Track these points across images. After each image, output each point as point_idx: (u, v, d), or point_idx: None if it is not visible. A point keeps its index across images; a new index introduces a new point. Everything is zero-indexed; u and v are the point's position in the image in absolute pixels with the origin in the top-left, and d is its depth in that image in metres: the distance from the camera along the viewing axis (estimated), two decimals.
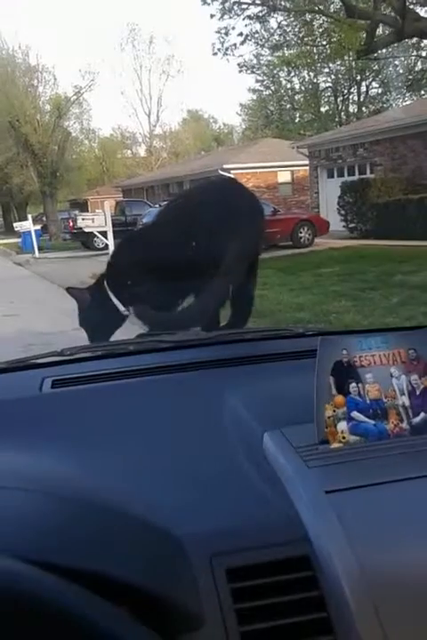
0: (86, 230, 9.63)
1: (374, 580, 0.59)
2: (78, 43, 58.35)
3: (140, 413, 0.98)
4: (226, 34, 13.24)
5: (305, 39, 14.51)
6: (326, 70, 33.57)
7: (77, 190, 33.29)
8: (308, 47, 16.34)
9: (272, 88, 36.03)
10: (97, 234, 9.73)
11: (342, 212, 14.37)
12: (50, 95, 25.56)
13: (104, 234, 9.57)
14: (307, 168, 18.86)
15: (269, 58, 32.14)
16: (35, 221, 18.37)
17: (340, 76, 33.92)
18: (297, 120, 36.72)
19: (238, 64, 22.20)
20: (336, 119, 34.57)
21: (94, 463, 0.79)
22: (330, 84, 34.68)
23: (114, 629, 0.42)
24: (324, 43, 14.64)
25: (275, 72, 33.86)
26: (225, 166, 19.97)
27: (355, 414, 0.80)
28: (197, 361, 1.22)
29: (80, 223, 9.39)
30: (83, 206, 31.30)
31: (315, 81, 34.69)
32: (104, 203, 9.62)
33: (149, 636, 0.46)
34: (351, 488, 0.69)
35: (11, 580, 0.42)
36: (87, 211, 31.33)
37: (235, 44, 13.65)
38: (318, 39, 14.67)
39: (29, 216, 18.29)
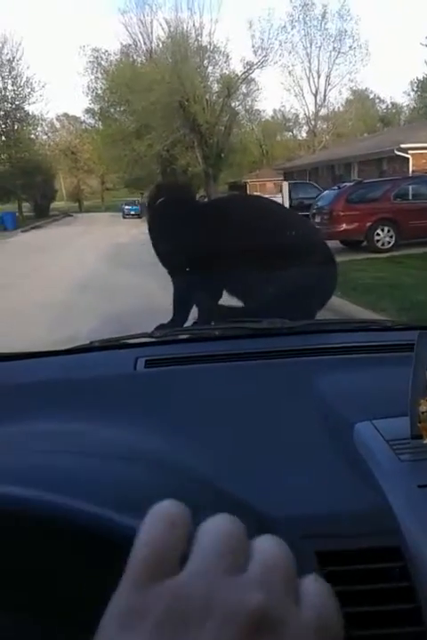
0: None
1: None
2: (251, 19, 57.28)
3: (230, 397, 0.99)
4: None
5: None
6: None
7: (239, 173, 33.10)
8: None
9: None
10: None
11: None
12: (220, 74, 25.35)
13: None
14: None
15: None
16: None
17: None
18: None
19: None
20: None
21: (189, 441, 0.80)
22: None
23: None
24: None
25: None
26: (402, 146, 18.08)
27: None
28: (285, 349, 1.22)
29: None
30: (242, 189, 31.08)
31: None
32: (283, 185, 8.73)
33: None
34: None
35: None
36: (246, 194, 31.09)
37: None
38: None
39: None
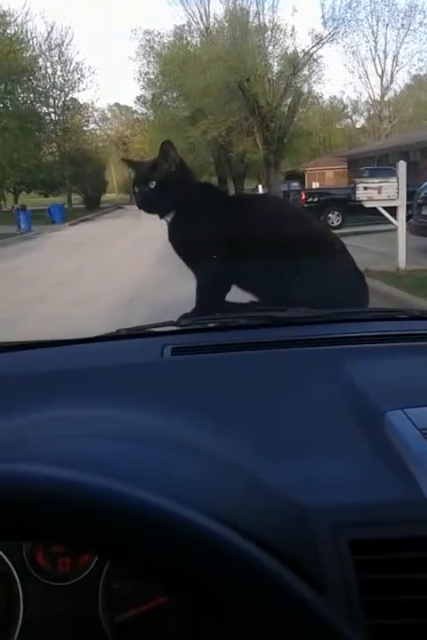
0: (368, 205, 6.83)
1: None
2: None
3: (258, 384, 0.99)
4: None
5: None
6: None
7: (299, 160, 30.90)
8: None
9: None
10: (381, 210, 6.87)
11: None
12: (282, 51, 23.10)
13: (390, 210, 6.74)
14: None
15: None
16: None
17: None
18: None
19: None
20: None
21: (219, 428, 0.79)
22: None
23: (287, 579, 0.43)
24: None
25: None
26: None
27: None
28: (312, 337, 1.20)
29: (360, 194, 6.59)
30: (300, 178, 29.10)
31: None
32: (399, 165, 6.68)
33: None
34: None
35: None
36: (304, 183, 29.00)
37: None
38: None
39: (260, 187, 16.23)
